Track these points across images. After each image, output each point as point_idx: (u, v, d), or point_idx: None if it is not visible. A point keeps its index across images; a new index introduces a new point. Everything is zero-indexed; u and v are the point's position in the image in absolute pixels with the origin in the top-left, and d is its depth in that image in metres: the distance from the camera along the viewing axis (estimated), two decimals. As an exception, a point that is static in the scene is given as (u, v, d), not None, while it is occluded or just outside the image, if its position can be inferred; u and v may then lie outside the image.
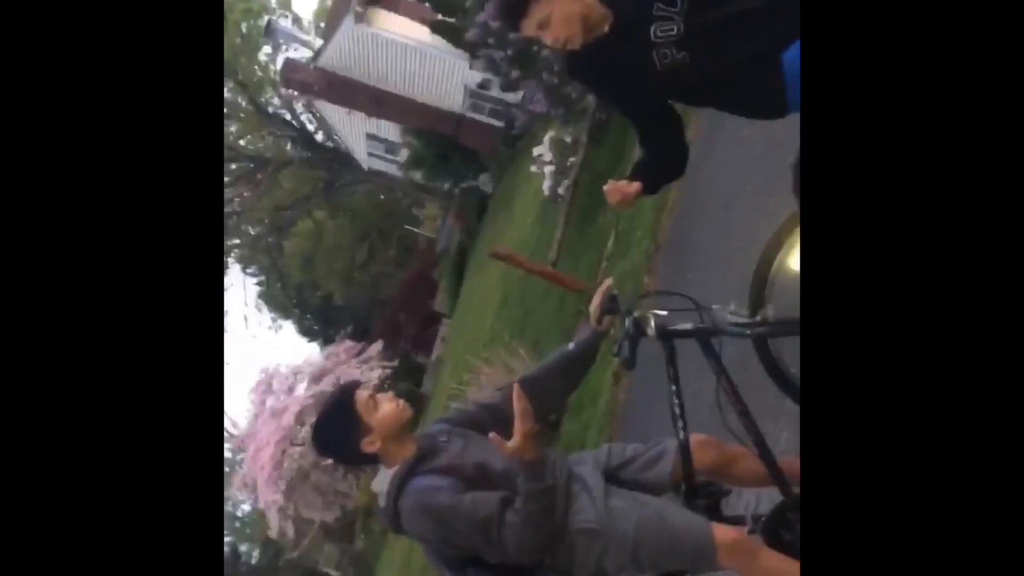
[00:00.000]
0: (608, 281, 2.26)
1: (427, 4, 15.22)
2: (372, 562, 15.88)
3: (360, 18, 16.55)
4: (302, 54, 21.61)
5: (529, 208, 11.82)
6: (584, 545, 1.88)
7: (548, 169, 8.70)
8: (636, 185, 2.12)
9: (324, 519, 16.63)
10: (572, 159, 8.21)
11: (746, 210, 3.95)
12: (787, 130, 2.70)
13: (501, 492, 1.88)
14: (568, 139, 8.41)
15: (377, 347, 18.14)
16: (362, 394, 1.99)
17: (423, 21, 13.75)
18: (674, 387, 2.02)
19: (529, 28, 2.05)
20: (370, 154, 22.59)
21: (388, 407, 1.98)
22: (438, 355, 18.18)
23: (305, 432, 16.36)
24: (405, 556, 12.07)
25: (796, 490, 1.98)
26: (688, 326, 2.01)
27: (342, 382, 3.48)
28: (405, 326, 20.56)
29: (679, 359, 2.04)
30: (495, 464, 1.95)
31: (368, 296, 29.66)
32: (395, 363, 17.40)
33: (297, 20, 27.69)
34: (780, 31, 2.01)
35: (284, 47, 24.51)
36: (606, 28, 2.08)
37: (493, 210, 17.11)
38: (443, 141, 18.08)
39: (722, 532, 1.84)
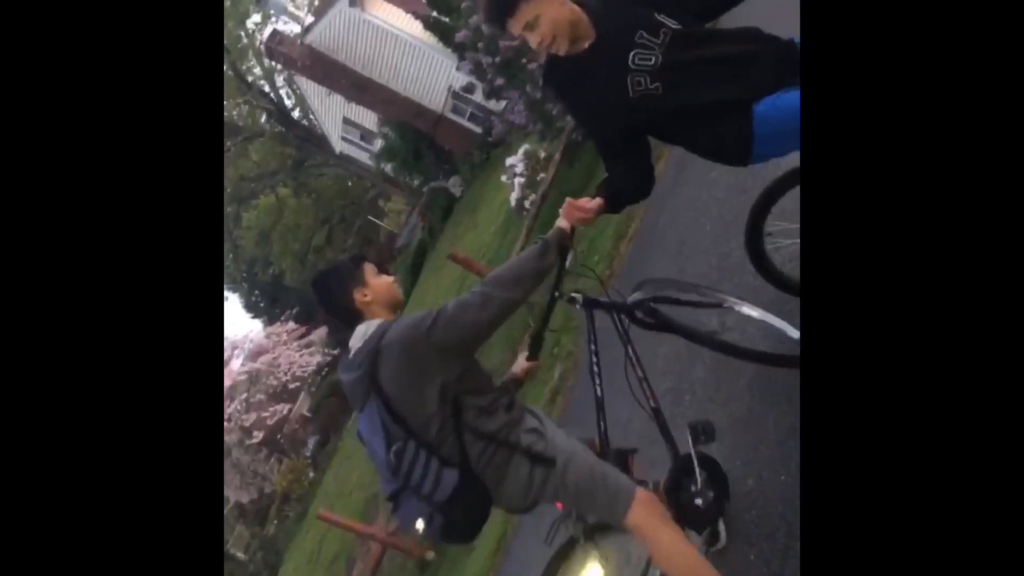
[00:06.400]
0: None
1: (423, -1, 15.15)
2: (282, 549, 15.54)
3: (354, 1, 16.41)
4: (291, 28, 21.35)
5: (493, 217, 11.80)
6: (526, 467, 2.00)
7: (518, 181, 8.68)
8: (598, 201, 2.16)
9: (239, 499, 16.26)
10: (543, 175, 8.21)
11: (700, 250, 3.99)
12: (753, 176, 2.73)
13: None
14: (542, 154, 8.42)
15: (320, 333, 17.89)
16: (370, 265, 2.21)
17: (416, 15, 13.68)
18: (593, 346, 2.35)
19: (516, 27, 2.04)
20: (344, 138, 22.35)
21: (388, 279, 2.21)
22: (381, 350, 17.96)
23: (234, 407, 16.02)
24: (315, 545, 11.85)
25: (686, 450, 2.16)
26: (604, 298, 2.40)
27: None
28: (353, 316, 20.27)
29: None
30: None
31: (320, 281, 29.19)
32: (336, 352, 17.19)
33: (291, -7, 27.35)
34: (755, 82, 2.02)
35: (274, 18, 24.18)
36: (586, 45, 2.09)
37: (458, 214, 17.04)
38: (419, 137, 17.97)
39: (642, 490, 1.97)
